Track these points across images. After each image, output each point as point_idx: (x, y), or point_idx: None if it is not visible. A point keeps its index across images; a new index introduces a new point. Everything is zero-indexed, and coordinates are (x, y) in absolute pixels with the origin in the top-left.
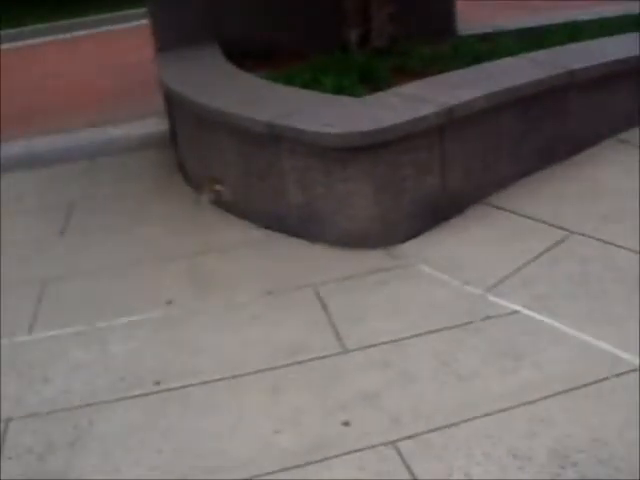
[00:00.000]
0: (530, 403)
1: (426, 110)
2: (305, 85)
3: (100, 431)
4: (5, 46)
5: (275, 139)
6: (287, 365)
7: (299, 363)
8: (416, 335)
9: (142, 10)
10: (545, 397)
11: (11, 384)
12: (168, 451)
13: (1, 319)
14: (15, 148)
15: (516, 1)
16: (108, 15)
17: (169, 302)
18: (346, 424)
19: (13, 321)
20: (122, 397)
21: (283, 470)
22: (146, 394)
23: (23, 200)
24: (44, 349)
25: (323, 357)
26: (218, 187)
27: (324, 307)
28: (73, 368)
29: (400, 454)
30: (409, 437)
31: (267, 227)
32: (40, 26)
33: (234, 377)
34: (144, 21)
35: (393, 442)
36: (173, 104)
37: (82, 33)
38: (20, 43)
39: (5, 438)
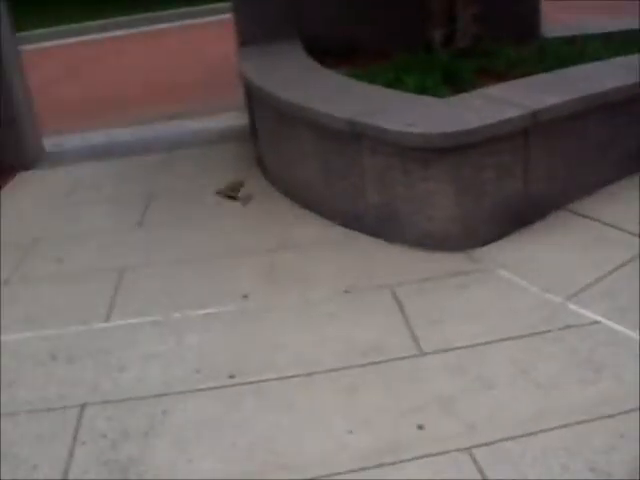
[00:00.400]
0: (609, 417)
1: (511, 113)
2: (387, 84)
3: (174, 421)
4: (87, 38)
5: (356, 137)
6: (363, 365)
7: (375, 364)
8: (494, 341)
9: (224, 5)
10: (625, 411)
11: (87, 370)
12: (242, 445)
13: (79, 306)
14: (95, 138)
15: (600, 1)
16: (190, 9)
17: (245, 296)
18: (420, 427)
19: (90, 308)
20: (196, 389)
21: (355, 471)
22: (221, 387)
23: (102, 190)
24: (120, 337)
25: (399, 359)
26: (243, 192)
27: (401, 308)
28: (148, 357)
29: (475, 461)
30: (485, 444)
31: (345, 225)
32: (122, 19)
33: (309, 374)
34: (225, 15)
35: (468, 448)
36: (253, 98)
37: (164, 26)
38: (102, 35)
39: (80, 423)
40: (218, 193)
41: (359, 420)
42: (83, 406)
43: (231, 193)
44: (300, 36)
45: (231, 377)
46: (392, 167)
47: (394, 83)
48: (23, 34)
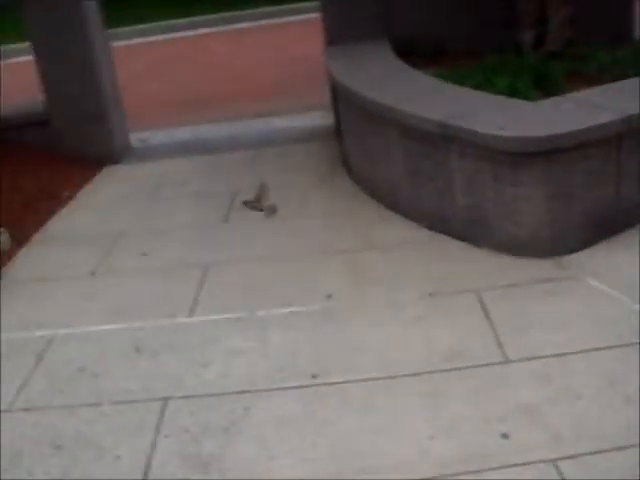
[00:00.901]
0: None
1: (604, 118)
2: (477, 86)
3: (256, 419)
4: (172, 36)
5: (446, 139)
6: (446, 370)
7: (459, 369)
8: (582, 351)
9: (305, 4)
10: None
11: (171, 364)
12: (323, 445)
13: (163, 300)
14: (181, 134)
15: None
16: (271, 8)
17: (329, 296)
18: (505, 436)
19: (175, 303)
20: (279, 387)
21: (437, 477)
22: (303, 386)
23: (188, 185)
24: (204, 332)
25: (483, 365)
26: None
27: (486, 314)
28: (232, 354)
29: (561, 474)
30: (571, 457)
31: (430, 228)
32: (206, 17)
33: (392, 377)
34: (306, 15)
35: (553, 460)
36: (340, 98)
37: (246, 25)
38: (187, 33)
39: (163, 416)
40: (245, 204)
41: (441, 426)
42: (166, 400)
43: (257, 204)
44: (387, 35)
45: (314, 377)
46: (481, 170)
47: (483, 85)
48: (112, 31)
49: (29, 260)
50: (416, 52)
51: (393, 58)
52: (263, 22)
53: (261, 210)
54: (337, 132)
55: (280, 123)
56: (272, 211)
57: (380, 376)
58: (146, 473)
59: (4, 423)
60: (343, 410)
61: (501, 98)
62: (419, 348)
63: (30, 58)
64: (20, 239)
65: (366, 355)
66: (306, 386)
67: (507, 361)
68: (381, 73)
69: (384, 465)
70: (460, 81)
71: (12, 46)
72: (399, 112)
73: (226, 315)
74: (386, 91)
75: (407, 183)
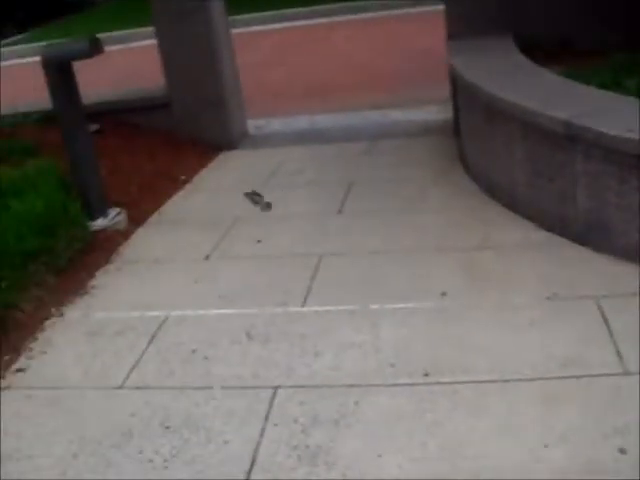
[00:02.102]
0: None
1: None
2: (603, 85)
3: (365, 414)
4: (294, 24)
5: (570, 139)
6: (562, 377)
7: (575, 377)
8: None
9: None
10: None
11: (282, 353)
12: (433, 446)
13: (276, 288)
14: (298, 123)
15: None
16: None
17: (443, 294)
18: (622, 451)
19: (287, 291)
20: (390, 383)
21: None
22: (414, 384)
23: (303, 174)
24: (316, 323)
25: (601, 375)
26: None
27: (605, 322)
28: (343, 346)
29: None
30: None
31: (549, 229)
32: (328, 6)
33: (506, 381)
34: (433, 7)
35: None
36: (460, 93)
37: (368, 15)
38: (309, 22)
39: (272, 405)
40: (246, 195)
41: (556, 435)
42: (276, 388)
43: (256, 197)
44: (511, 31)
45: (426, 375)
46: (606, 173)
47: (610, 85)
48: (232, 18)
49: (145, 241)
50: (540, 48)
51: (517, 54)
52: (384, 13)
53: (257, 203)
54: (455, 127)
55: (397, 115)
56: (267, 207)
57: (493, 379)
58: (254, 460)
59: (116, 400)
60: (454, 411)
61: (630, 99)
62: (534, 353)
63: (152, 42)
64: (137, 220)
65: (479, 357)
66: (417, 384)
67: (627, 373)
68: (504, 69)
69: (495, 470)
70: (586, 80)
71: (132, 31)
72: (522, 109)
73: (339, 307)
74: (509, 87)
75: (527, 182)
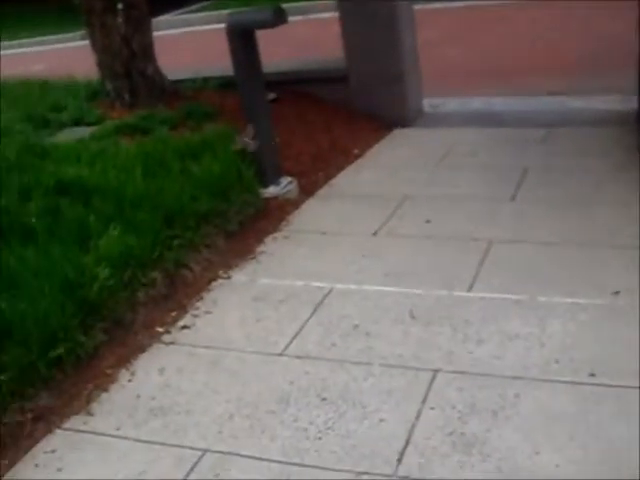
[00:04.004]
0: None
1: None
2: None
3: (525, 407)
4: (472, 3)
5: None
6: None
7: None
8: None
9: None
10: None
11: (444, 336)
12: (594, 449)
13: (442, 270)
14: (473, 104)
15: None
16: None
17: (616, 292)
18: None
19: (455, 275)
20: (553, 379)
21: None
22: (579, 383)
23: (476, 157)
24: (481, 310)
25: None
26: (247, 139)
27: None
28: (507, 336)
29: None
30: None
31: None
32: None
33: None
34: None
35: None
36: None
37: None
38: (487, 2)
39: (431, 387)
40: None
41: None
42: (436, 372)
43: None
44: None
45: (591, 375)
46: None
47: None
48: None
49: (314, 212)
50: None
51: None
52: None
53: (245, 146)
54: (638, 119)
55: (577, 103)
56: (252, 136)
57: None
58: (407, 442)
59: (275, 366)
60: (620, 416)
61: None
62: None
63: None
64: (307, 190)
65: None
66: (582, 383)
67: None
68: None
69: None
70: None
71: (313, 3)
72: None
73: (505, 295)
74: None
75: None
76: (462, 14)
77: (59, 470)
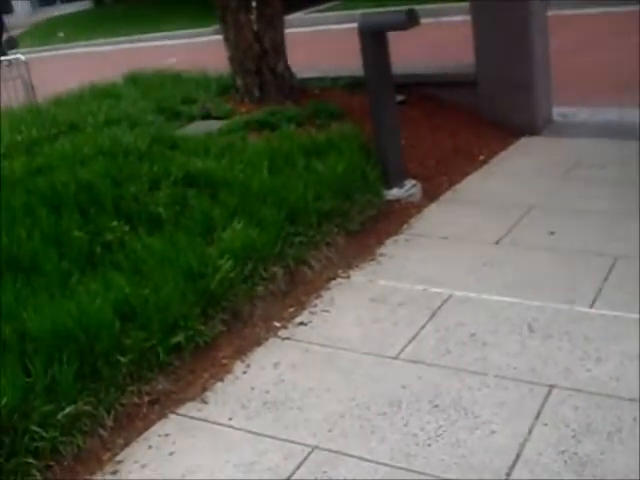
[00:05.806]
0: None
1: None
2: None
3: None
4: (605, 10)
5: None
6: None
7: None
8: None
9: None
10: None
11: (562, 352)
12: None
13: (564, 283)
14: (606, 115)
15: None
16: None
17: None
18: None
19: (577, 290)
20: None
21: None
22: None
23: (606, 169)
24: (603, 327)
25: None
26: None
27: None
28: (628, 356)
29: None
30: None
31: None
32: None
33: None
34: None
35: None
36: None
37: None
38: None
39: (545, 403)
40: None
41: None
42: (551, 387)
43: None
44: None
45: None
46: None
47: None
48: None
49: (436, 216)
50: None
51: None
52: None
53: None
54: None
55: None
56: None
57: None
58: (518, 456)
59: (389, 369)
60: None
61: None
62: None
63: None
64: (430, 194)
65: None
66: None
67: None
68: None
69: None
70: None
71: (445, 5)
72: None
73: (629, 314)
74: None
75: None
76: (599, 21)
77: (171, 454)
